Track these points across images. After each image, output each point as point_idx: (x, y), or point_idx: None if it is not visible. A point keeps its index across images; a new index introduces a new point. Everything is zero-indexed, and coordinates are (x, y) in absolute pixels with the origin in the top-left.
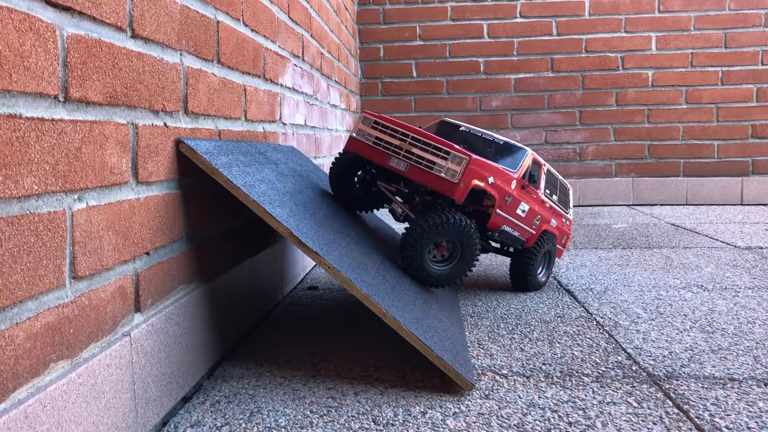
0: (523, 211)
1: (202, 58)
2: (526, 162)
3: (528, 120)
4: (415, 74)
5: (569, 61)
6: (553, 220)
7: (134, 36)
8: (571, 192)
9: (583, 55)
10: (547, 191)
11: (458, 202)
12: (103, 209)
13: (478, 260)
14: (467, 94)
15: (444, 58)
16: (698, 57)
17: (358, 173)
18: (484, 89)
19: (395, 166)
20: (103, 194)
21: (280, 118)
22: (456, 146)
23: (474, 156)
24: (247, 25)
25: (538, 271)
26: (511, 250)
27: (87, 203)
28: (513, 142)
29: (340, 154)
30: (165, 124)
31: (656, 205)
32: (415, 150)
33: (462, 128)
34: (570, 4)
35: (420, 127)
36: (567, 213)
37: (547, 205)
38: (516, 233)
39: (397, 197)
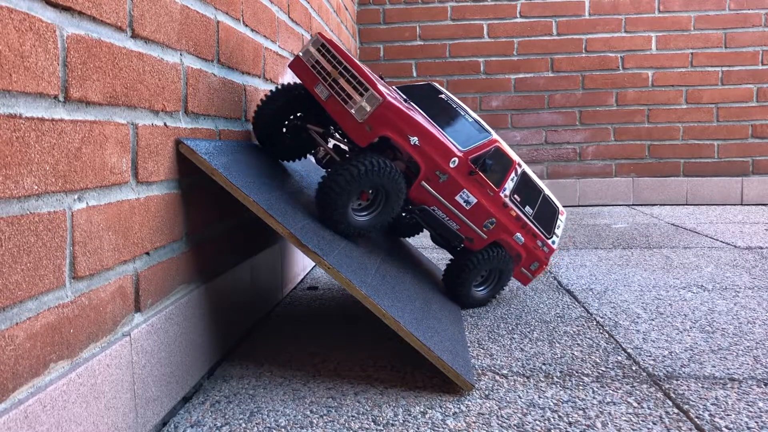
0: (467, 202)
1: (202, 58)
2: (482, 145)
3: (528, 120)
4: (415, 74)
5: (569, 61)
6: (518, 235)
7: (134, 36)
8: (561, 217)
9: (583, 55)
10: (517, 197)
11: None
12: (103, 209)
13: (399, 208)
14: (467, 94)
15: (444, 58)
16: (698, 57)
17: (288, 119)
18: (484, 89)
19: (319, 93)
20: (103, 194)
21: None
22: (379, 86)
23: (390, 100)
24: (247, 25)
25: (478, 286)
26: (458, 249)
27: (87, 203)
28: (484, 124)
29: (271, 92)
30: (165, 124)
31: (656, 205)
32: (341, 80)
33: (441, 95)
34: (570, 4)
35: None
36: (547, 237)
37: (513, 213)
38: (452, 224)
39: (328, 145)
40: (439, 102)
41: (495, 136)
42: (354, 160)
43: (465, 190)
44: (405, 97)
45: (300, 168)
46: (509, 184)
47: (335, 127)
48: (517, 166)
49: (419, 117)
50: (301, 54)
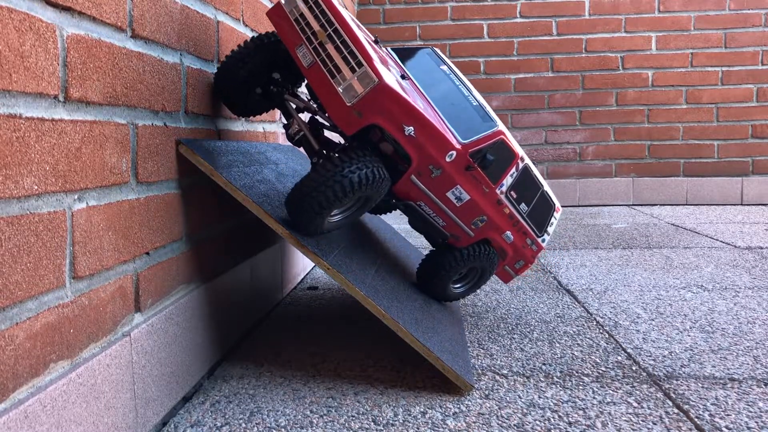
0: (459, 199)
1: (202, 58)
2: (486, 137)
3: (528, 120)
4: None
5: (569, 61)
6: (508, 233)
7: (134, 36)
8: (557, 214)
9: (583, 55)
10: (513, 194)
11: (347, 135)
12: (103, 209)
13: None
14: None
15: None
16: (698, 57)
17: (263, 81)
18: (484, 89)
19: (300, 57)
20: (103, 194)
21: (280, 118)
22: (375, 62)
23: (388, 83)
24: (247, 25)
25: (456, 282)
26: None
27: (87, 203)
28: (488, 110)
29: (244, 44)
30: (165, 124)
31: (656, 205)
32: (329, 46)
33: (444, 66)
34: (570, 4)
35: (398, 47)
36: (538, 236)
37: (506, 211)
38: (439, 220)
39: (303, 119)
40: (440, 75)
41: (500, 126)
42: (345, 167)
43: (459, 186)
44: (402, 64)
45: (299, 167)
46: (507, 180)
47: (314, 97)
48: (519, 161)
49: (417, 99)
50: (283, 1)
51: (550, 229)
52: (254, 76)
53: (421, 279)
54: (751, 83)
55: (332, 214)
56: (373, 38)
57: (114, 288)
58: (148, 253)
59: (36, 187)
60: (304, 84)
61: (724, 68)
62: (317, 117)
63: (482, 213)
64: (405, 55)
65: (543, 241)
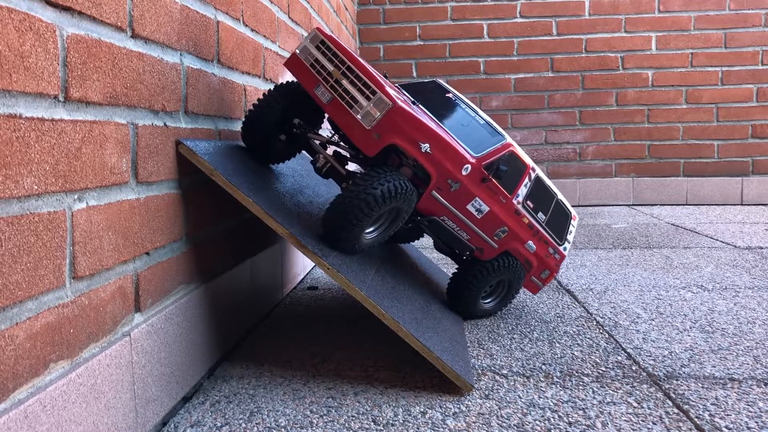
0: (479, 211)
1: (202, 58)
2: (496, 150)
3: (528, 120)
4: (415, 74)
5: (569, 61)
6: (530, 243)
7: (134, 36)
8: (574, 222)
9: (583, 55)
10: (530, 204)
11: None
12: (103, 209)
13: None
14: (467, 94)
15: (444, 58)
16: (698, 57)
17: (286, 127)
18: (484, 89)
19: (319, 96)
20: (103, 194)
21: None
22: (387, 88)
23: (401, 105)
24: (247, 25)
25: (485, 297)
26: (464, 257)
27: (87, 203)
28: (496, 126)
29: (266, 95)
30: (165, 124)
31: (656, 205)
32: (344, 81)
33: (449, 94)
34: (570, 4)
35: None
36: (559, 244)
37: (525, 221)
38: (463, 234)
39: (328, 152)
40: (446, 102)
41: (509, 139)
42: (374, 180)
43: (477, 198)
44: (411, 97)
45: (299, 167)
46: (522, 190)
47: (336, 129)
48: (530, 171)
49: (429, 121)
50: (297, 51)
51: (570, 237)
52: (278, 122)
53: (452, 298)
54: (751, 83)
55: (367, 231)
56: (383, 74)
57: (114, 288)
58: (148, 253)
59: (36, 187)
60: (325, 119)
61: (724, 68)
62: (339, 150)
63: (503, 224)
64: (411, 88)
65: (564, 249)
